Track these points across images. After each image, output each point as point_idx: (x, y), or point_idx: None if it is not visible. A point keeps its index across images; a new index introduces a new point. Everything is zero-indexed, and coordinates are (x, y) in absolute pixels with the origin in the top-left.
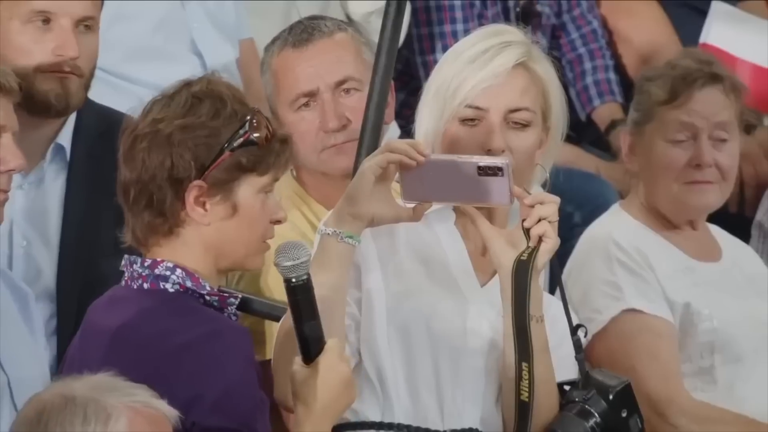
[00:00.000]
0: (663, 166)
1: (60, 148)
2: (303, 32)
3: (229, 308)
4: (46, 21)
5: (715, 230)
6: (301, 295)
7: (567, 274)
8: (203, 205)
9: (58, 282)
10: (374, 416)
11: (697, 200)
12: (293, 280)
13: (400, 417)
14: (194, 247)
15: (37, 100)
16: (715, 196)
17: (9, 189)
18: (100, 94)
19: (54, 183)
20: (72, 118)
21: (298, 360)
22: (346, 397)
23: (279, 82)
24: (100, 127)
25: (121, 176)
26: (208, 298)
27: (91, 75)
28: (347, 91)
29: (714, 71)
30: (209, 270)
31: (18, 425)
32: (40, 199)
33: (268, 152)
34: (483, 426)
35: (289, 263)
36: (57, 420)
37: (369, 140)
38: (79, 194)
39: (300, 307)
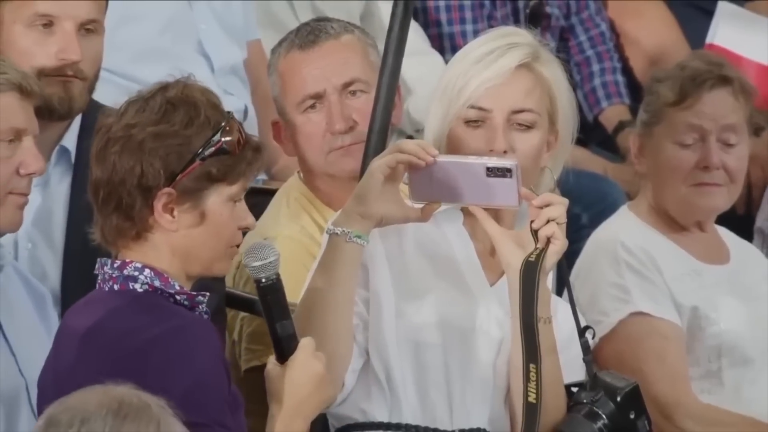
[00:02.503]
0: (671, 168)
1: (64, 151)
2: (309, 34)
3: (199, 307)
4: (49, 24)
5: (724, 232)
6: (271, 294)
7: (575, 276)
8: (171, 211)
9: (62, 284)
10: (382, 416)
11: (704, 202)
12: (263, 280)
13: (408, 417)
14: (162, 251)
15: (40, 104)
16: (723, 199)
17: (29, 192)
18: (107, 95)
19: (59, 185)
20: (77, 121)
21: (272, 359)
22: (319, 395)
23: (286, 84)
24: None
25: (92, 175)
26: (177, 297)
27: (95, 77)
28: (354, 92)
29: (724, 73)
30: (178, 273)
31: (84, 413)
32: (45, 202)
33: (240, 161)
34: (491, 426)
35: (257, 263)
36: (135, 418)
37: (376, 142)
38: (83, 196)
39: (271, 307)
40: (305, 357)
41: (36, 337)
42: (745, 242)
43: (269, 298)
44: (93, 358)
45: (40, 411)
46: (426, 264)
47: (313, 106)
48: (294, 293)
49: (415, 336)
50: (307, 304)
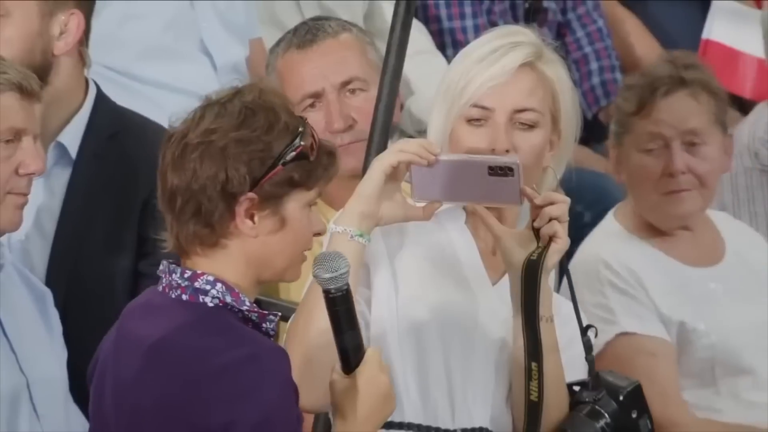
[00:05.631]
0: (640, 177)
1: (62, 148)
2: (307, 33)
3: (266, 324)
4: None
5: (721, 219)
6: (340, 306)
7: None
8: (252, 217)
9: (47, 273)
10: None
11: (676, 210)
12: (333, 291)
13: (410, 416)
14: (237, 259)
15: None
16: (695, 203)
17: (29, 192)
18: (110, 93)
19: (56, 180)
20: (79, 118)
21: (337, 369)
22: (386, 409)
23: (284, 83)
24: (112, 128)
25: (168, 183)
26: (247, 314)
27: (22, 61)
28: (353, 91)
29: (681, 75)
30: (249, 282)
31: None
32: (43, 197)
33: (317, 165)
34: (493, 425)
35: (328, 275)
36: None
37: (378, 141)
38: (79, 192)
39: (339, 318)
40: (373, 369)
41: (36, 335)
42: (742, 226)
43: (338, 309)
44: (159, 375)
45: (93, 409)
46: (428, 263)
47: (312, 105)
48: (297, 293)
49: (416, 335)
50: (309, 303)
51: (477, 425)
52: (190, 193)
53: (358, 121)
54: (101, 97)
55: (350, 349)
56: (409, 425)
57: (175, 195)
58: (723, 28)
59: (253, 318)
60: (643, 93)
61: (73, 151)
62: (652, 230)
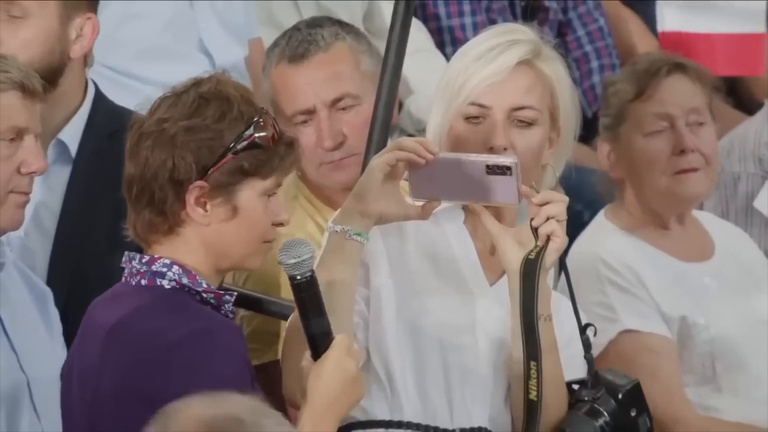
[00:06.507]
0: (647, 161)
1: (62, 145)
2: (299, 46)
3: (225, 306)
4: None
5: (706, 219)
6: (305, 292)
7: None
8: (204, 205)
9: (49, 272)
10: (383, 415)
11: (686, 190)
12: (297, 277)
13: (409, 415)
14: (194, 246)
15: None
16: (704, 183)
17: (30, 191)
18: (109, 93)
19: (56, 178)
20: (79, 115)
21: (307, 356)
22: (352, 394)
23: (277, 95)
24: (111, 127)
25: (126, 171)
26: (204, 295)
27: (40, 63)
28: (344, 108)
29: (678, 61)
30: (209, 269)
31: None
32: (42, 194)
33: (273, 155)
34: (492, 425)
35: (292, 261)
36: None
37: (378, 139)
38: (79, 190)
39: (306, 304)
40: (338, 354)
41: (37, 334)
42: (729, 226)
43: (304, 295)
44: (117, 357)
45: (62, 402)
46: (426, 263)
47: (304, 121)
48: None
49: (415, 334)
50: None
51: (476, 425)
52: (143, 181)
53: (349, 137)
54: (100, 96)
55: (317, 336)
56: (408, 424)
57: (132, 183)
58: (673, 15)
59: (211, 301)
60: (643, 76)
61: (73, 148)
62: (647, 229)
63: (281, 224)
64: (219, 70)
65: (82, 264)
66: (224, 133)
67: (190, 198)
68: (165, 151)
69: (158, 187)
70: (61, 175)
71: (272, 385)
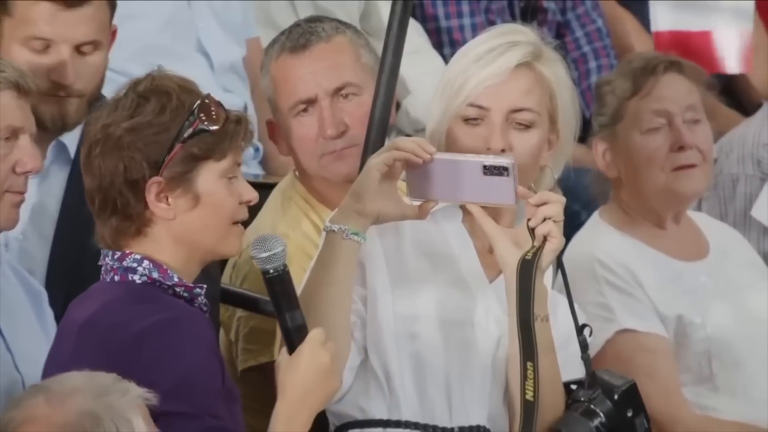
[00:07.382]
0: (645, 158)
1: (62, 146)
2: (300, 37)
3: (198, 299)
4: (46, 47)
5: (701, 219)
6: (278, 286)
7: None
8: (165, 200)
9: (47, 274)
10: (381, 414)
11: (685, 186)
12: (270, 271)
13: (407, 414)
14: (164, 243)
15: (35, 119)
16: (702, 180)
17: (26, 191)
18: (107, 93)
19: (55, 179)
20: None
21: (283, 351)
22: (327, 386)
23: (278, 88)
24: None
25: (85, 185)
26: (177, 289)
27: (97, 89)
28: (345, 96)
29: (672, 59)
30: (181, 263)
31: None
32: (40, 195)
33: (222, 136)
34: (490, 423)
35: (264, 255)
36: None
37: (375, 139)
38: (78, 192)
39: (279, 299)
40: (312, 348)
41: (32, 334)
42: (722, 226)
43: (277, 289)
44: (87, 352)
45: None
46: (424, 262)
47: (305, 110)
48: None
49: (413, 333)
50: (305, 301)
51: (474, 423)
52: (102, 191)
53: (351, 126)
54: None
55: (291, 330)
56: (406, 423)
57: (93, 196)
58: (666, 14)
59: (184, 294)
60: (639, 74)
61: (73, 149)
62: (642, 229)
63: (249, 202)
64: (217, 70)
65: (80, 265)
66: (168, 125)
67: (150, 195)
68: (114, 155)
69: (117, 192)
70: (59, 176)
71: (269, 386)
